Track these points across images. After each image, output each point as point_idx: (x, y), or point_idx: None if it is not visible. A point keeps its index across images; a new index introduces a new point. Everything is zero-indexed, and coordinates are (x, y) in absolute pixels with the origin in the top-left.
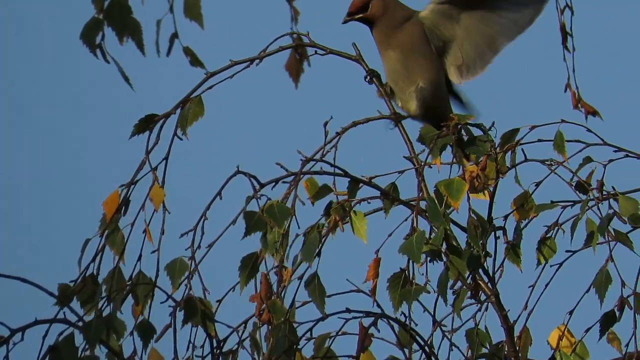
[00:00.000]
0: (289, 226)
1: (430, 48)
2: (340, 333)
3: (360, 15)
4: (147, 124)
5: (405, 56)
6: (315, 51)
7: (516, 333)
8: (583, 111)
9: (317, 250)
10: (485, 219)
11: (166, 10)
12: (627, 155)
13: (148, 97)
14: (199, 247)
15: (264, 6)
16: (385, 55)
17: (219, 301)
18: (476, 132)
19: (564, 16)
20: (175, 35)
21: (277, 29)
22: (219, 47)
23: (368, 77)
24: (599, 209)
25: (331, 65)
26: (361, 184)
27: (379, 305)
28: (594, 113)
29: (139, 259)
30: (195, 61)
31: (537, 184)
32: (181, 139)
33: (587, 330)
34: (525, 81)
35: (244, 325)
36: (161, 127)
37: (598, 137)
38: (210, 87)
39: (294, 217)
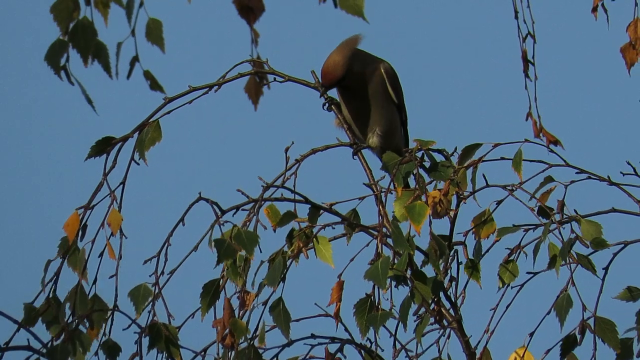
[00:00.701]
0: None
1: (390, 97)
2: (307, 358)
3: (339, 86)
4: (104, 146)
5: (367, 107)
6: (275, 78)
7: (478, 356)
8: (544, 140)
9: (282, 275)
10: (447, 242)
11: (128, 34)
12: (589, 177)
13: (108, 119)
14: (162, 273)
15: (226, 28)
16: (347, 102)
17: (179, 328)
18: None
19: (525, 44)
20: (135, 59)
21: (240, 50)
22: (180, 70)
23: (326, 105)
24: (560, 232)
25: (290, 92)
26: (322, 211)
27: (346, 329)
28: (556, 142)
29: (94, 282)
30: (154, 85)
31: (498, 203)
32: (138, 163)
33: (547, 352)
34: (489, 109)
35: (204, 351)
36: (119, 150)
37: (561, 158)
38: (168, 112)
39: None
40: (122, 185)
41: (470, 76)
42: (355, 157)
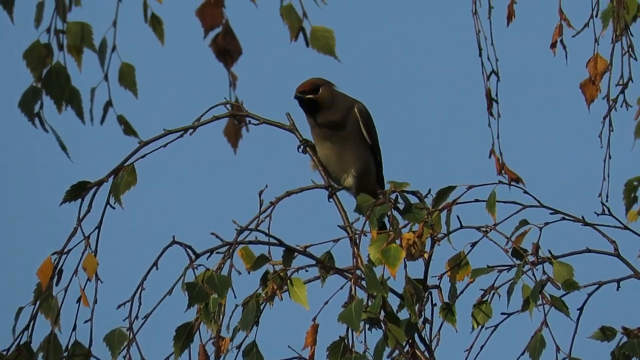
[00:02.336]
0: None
1: (364, 138)
2: None
3: (311, 96)
4: (78, 191)
5: (341, 148)
6: (249, 120)
7: None
8: (506, 178)
9: (255, 318)
10: (421, 285)
11: (101, 78)
12: (563, 218)
13: (83, 163)
14: (137, 317)
15: (203, 70)
16: (322, 143)
17: None
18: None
19: (489, 82)
20: (109, 104)
21: (215, 92)
22: (155, 113)
23: (301, 147)
24: (533, 274)
25: (266, 134)
26: (296, 253)
27: None
28: (517, 180)
29: (74, 328)
30: (128, 130)
31: (473, 245)
32: (113, 207)
33: None
34: (454, 146)
35: None
36: (94, 195)
37: (535, 199)
38: (143, 156)
39: (231, 286)
40: (97, 230)
41: (434, 113)
42: (331, 199)
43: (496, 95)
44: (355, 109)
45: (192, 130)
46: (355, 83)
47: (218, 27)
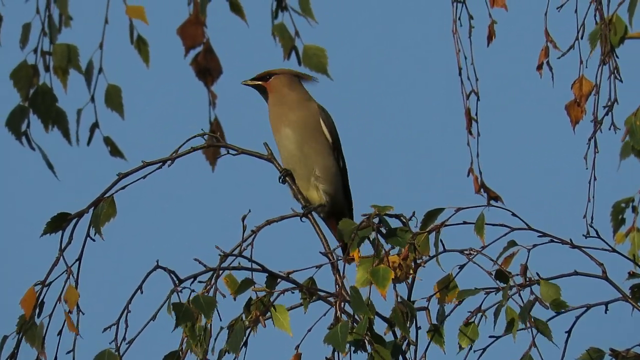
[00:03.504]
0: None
1: (325, 137)
2: None
3: (259, 82)
4: (59, 222)
5: (300, 136)
6: (228, 151)
7: None
8: (485, 196)
9: (244, 340)
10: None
11: (87, 99)
12: (551, 241)
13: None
14: (124, 339)
15: (185, 90)
16: (281, 133)
17: None
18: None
19: (469, 101)
20: (95, 125)
21: (197, 111)
22: (140, 134)
23: (281, 178)
24: (520, 296)
25: (244, 163)
26: (279, 279)
27: None
28: (496, 198)
29: (55, 358)
30: (115, 151)
31: (461, 267)
32: (94, 240)
33: None
34: (433, 166)
35: None
36: (74, 226)
37: (523, 221)
38: (123, 188)
39: (215, 310)
40: (78, 262)
41: (413, 132)
42: (304, 219)
43: (476, 114)
44: (316, 106)
45: (170, 161)
46: (334, 103)
47: (199, 45)
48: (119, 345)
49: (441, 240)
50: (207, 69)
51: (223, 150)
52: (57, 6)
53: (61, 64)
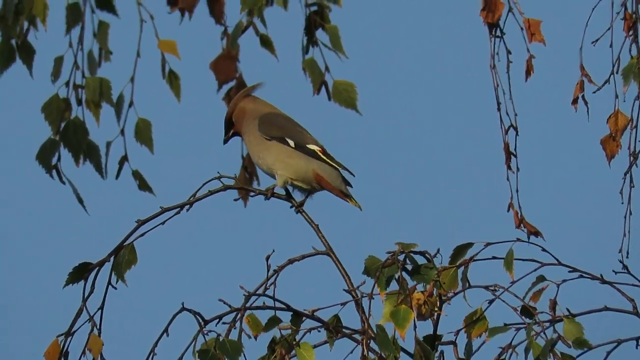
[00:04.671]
0: None
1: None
2: None
3: (232, 132)
4: (81, 273)
5: (252, 145)
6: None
7: None
8: (525, 231)
9: None
10: (431, 343)
11: (117, 133)
12: (581, 276)
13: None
14: None
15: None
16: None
17: None
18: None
19: (508, 136)
20: (125, 158)
21: (229, 146)
22: (169, 167)
23: (295, 209)
24: (544, 333)
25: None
26: (304, 318)
27: None
28: (536, 233)
29: None
30: (143, 185)
31: (490, 302)
32: (115, 287)
33: None
34: (471, 200)
35: None
36: (96, 274)
37: (553, 257)
38: (142, 235)
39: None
40: (100, 310)
41: (453, 167)
42: (298, 212)
43: (515, 149)
44: (259, 116)
45: (188, 206)
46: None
47: (232, 80)
48: None
49: (466, 277)
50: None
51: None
52: (97, 41)
53: (93, 98)
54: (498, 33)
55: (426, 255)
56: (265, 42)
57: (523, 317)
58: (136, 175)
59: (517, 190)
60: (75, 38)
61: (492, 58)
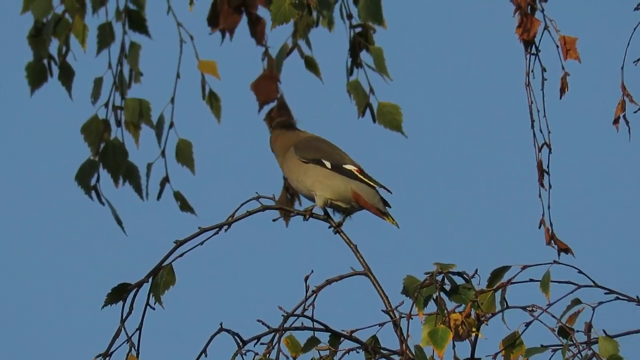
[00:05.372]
0: None
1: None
2: None
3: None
4: (119, 293)
5: (290, 171)
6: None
7: None
8: (556, 248)
9: None
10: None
11: (158, 154)
12: (617, 298)
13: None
14: None
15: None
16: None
17: None
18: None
19: (541, 154)
20: (166, 180)
21: (270, 166)
22: (211, 188)
23: (334, 229)
24: (580, 355)
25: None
26: (342, 339)
27: None
28: (567, 250)
29: None
30: (185, 206)
31: (527, 325)
32: (154, 308)
33: None
34: (501, 214)
35: None
36: (135, 295)
37: (589, 278)
38: (181, 255)
39: None
40: (138, 331)
41: (486, 184)
42: (337, 233)
43: (547, 166)
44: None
45: (226, 226)
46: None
47: (272, 101)
48: None
49: (504, 297)
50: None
51: (277, 213)
52: (128, 62)
53: (133, 119)
54: (533, 50)
55: (464, 275)
56: (310, 65)
57: (560, 338)
58: (178, 196)
59: (548, 207)
60: (115, 59)
61: (527, 75)
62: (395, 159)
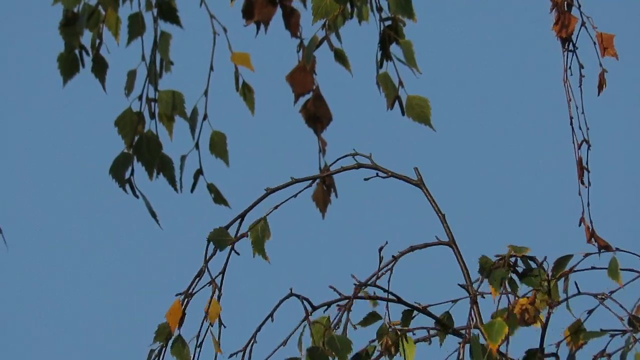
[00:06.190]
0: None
1: None
2: None
3: None
4: (222, 244)
5: None
6: (377, 174)
7: None
8: (596, 245)
9: None
10: (538, 353)
11: (191, 146)
12: None
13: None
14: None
15: (293, 137)
16: None
17: None
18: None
19: (580, 151)
20: (199, 172)
21: (305, 159)
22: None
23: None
24: None
25: (391, 188)
26: (415, 312)
27: None
28: (607, 248)
29: None
30: (218, 198)
31: (589, 312)
32: (238, 254)
33: None
34: (541, 213)
35: None
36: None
37: None
38: (276, 207)
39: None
40: (222, 275)
41: (523, 180)
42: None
43: (587, 163)
44: None
45: (319, 180)
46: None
47: (308, 92)
48: None
49: (575, 283)
50: (317, 116)
51: (372, 173)
52: (159, 51)
53: (166, 111)
54: (571, 47)
55: (535, 260)
56: (340, 57)
57: (629, 327)
58: (211, 188)
59: (588, 205)
60: (148, 51)
61: (564, 72)
62: (428, 153)
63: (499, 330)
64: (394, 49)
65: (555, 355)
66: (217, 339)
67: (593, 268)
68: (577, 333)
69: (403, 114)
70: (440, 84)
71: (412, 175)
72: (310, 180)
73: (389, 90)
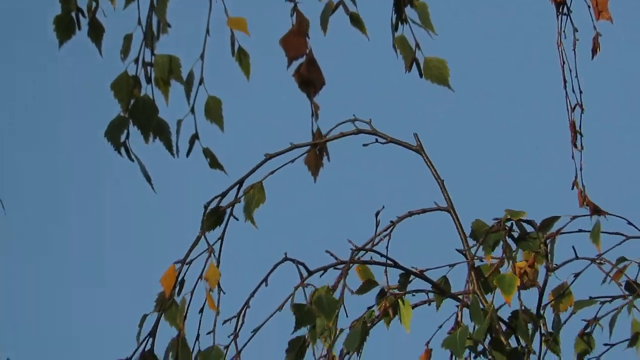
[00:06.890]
0: (337, 315)
1: None
2: None
3: None
4: (217, 216)
5: None
6: (376, 139)
7: None
8: (588, 209)
9: (361, 341)
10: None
11: (187, 111)
12: None
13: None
14: (236, 335)
15: (287, 101)
16: None
17: None
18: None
19: (574, 114)
20: (195, 137)
21: (298, 123)
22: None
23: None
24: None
25: (390, 153)
26: (412, 277)
27: None
28: (599, 212)
29: (197, 338)
30: (214, 163)
31: (576, 275)
32: (237, 219)
33: None
34: (534, 177)
35: None
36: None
37: (638, 229)
38: (272, 172)
39: (342, 306)
40: (220, 240)
41: (515, 144)
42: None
43: (580, 127)
44: None
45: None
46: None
47: (302, 56)
48: (237, 338)
49: (573, 247)
50: (310, 80)
51: (371, 138)
52: (156, 13)
53: (162, 75)
54: (565, 11)
55: (532, 224)
56: (356, 21)
57: (626, 292)
58: (207, 153)
59: (581, 169)
60: (144, 14)
61: (558, 35)
62: (432, 114)
63: (510, 282)
64: (409, 11)
65: (541, 317)
66: (215, 305)
67: (581, 231)
68: (563, 296)
69: (421, 75)
70: (435, 45)
71: (412, 141)
72: (309, 146)
73: (407, 53)
